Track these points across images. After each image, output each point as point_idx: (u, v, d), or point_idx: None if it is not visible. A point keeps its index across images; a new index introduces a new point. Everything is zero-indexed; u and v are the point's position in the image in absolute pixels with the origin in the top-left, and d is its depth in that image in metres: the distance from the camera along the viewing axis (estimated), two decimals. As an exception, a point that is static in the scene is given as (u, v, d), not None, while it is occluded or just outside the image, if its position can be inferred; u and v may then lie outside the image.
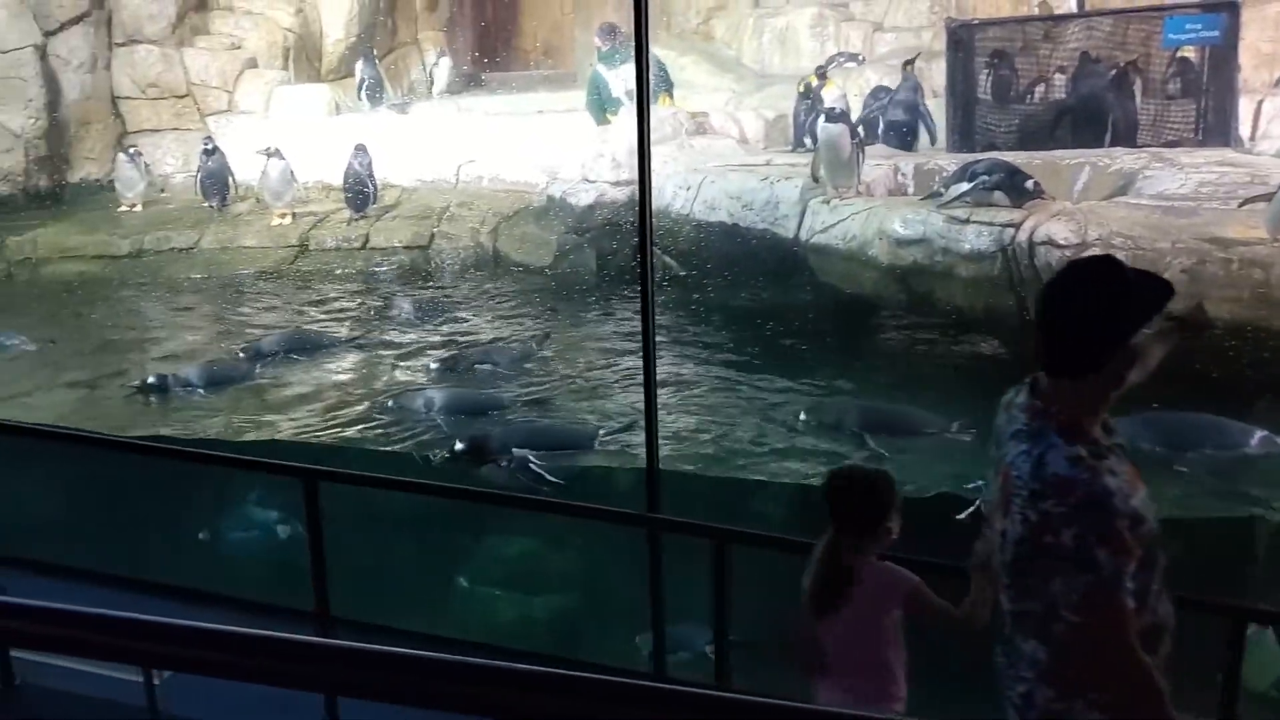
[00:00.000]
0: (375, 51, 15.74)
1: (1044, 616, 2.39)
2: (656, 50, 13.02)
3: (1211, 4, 10.38)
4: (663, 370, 7.32)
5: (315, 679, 1.89)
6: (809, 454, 7.01)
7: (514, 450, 6.95)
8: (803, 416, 7.48)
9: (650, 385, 4.56)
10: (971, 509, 5.88)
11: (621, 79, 12.34)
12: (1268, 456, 6.53)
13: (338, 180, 12.74)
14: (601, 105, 12.68)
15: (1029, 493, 2.40)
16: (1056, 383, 2.48)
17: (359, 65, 15.37)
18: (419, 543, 6.36)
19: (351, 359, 9.35)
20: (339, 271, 11.83)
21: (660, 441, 4.74)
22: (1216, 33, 10.35)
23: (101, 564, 5.60)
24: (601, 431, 7.36)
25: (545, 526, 6.32)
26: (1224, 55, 10.50)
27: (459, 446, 6.96)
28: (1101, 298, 2.41)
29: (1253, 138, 11.44)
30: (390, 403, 7.97)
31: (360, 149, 12.54)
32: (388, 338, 9.88)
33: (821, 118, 9.87)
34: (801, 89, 12.24)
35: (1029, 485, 2.40)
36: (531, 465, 6.85)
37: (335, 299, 11.16)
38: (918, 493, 6.20)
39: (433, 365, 8.81)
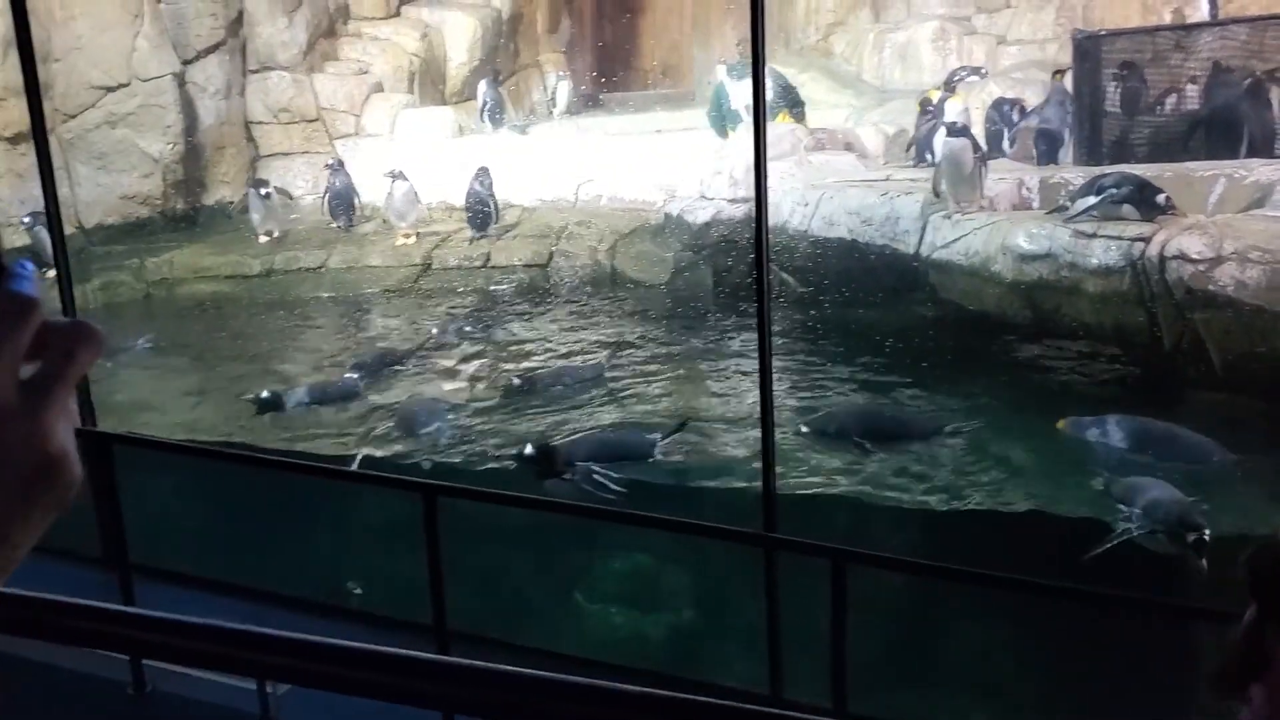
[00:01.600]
0: (497, 74, 16.00)
1: None
2: (777, 68, 12.97)
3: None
4: (778, 388, 7.28)
5: (428, 695, 1.90)
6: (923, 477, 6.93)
7: (577, 462, 7.05)
8: (804, 429, 7.53)
9: (767, 403, 4.52)
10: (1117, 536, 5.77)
11: (745, 92, 12.32)
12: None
13: (460, 201, 12.96)
14: (723, 118, 12.70)
15: None
16: None
17: (481, 88, 15.63)
18: (530, 556, 6.41)
19: (440, 376, 9.64)
20: (460, 289, 12.03)
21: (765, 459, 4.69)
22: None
23: (225, 573, 5.77)
24: (658, 437, 7.46)
25: (653, 542, 6.32)
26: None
27: (528, 451, 7.09)
28: None
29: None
30: (393, 420, 8.32)
31: (482, 170, 12.74)
32: (482, 353, 10.15)
33: (943, 131, 9.71)
34: (919, 104, 12.06)
35: None
36: (595, 476, 6.92)
37: (451, 316, 11.39)
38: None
39: (516, 381, 9.02)
